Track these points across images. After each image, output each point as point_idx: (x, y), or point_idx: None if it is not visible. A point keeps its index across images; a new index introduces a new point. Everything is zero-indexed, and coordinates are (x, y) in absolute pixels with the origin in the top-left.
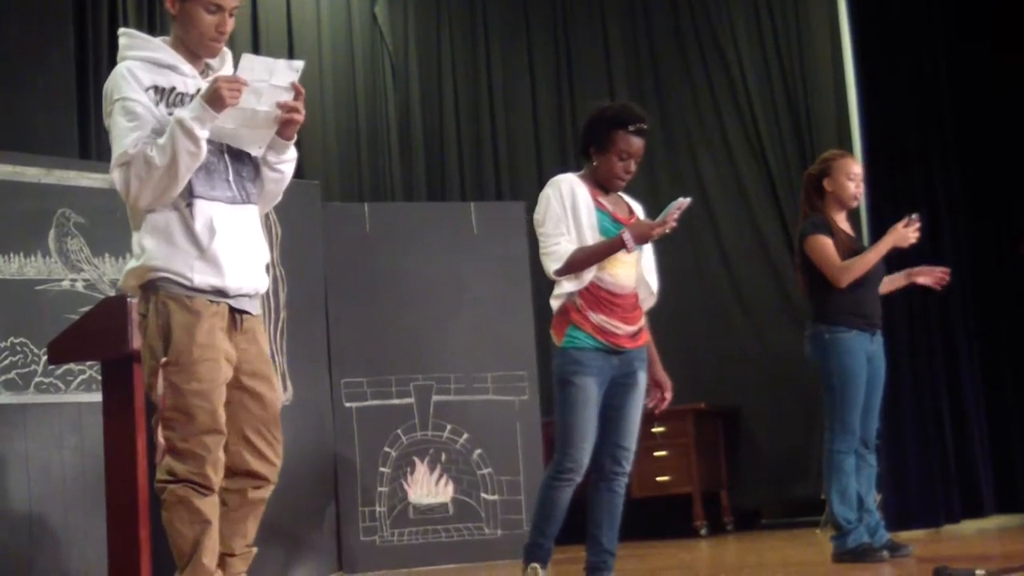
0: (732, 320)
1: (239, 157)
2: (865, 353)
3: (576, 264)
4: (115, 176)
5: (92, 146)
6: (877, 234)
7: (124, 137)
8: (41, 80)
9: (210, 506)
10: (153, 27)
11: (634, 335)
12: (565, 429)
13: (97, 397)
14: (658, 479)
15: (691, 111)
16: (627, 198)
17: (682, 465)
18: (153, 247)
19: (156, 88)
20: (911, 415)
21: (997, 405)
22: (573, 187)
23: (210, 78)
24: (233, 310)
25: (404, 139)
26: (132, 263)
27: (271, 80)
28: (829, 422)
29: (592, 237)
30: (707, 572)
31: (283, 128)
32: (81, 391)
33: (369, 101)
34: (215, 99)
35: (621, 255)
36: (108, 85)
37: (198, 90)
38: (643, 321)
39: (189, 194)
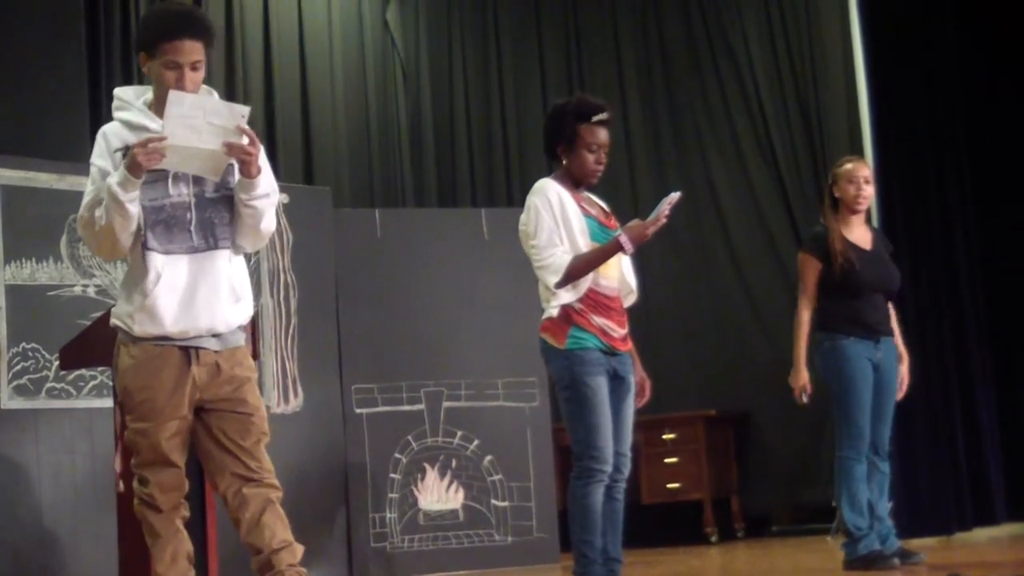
0: (742, 325)
1: (211, 204)
2: (869, 360)
3: (575, 273)
4: (80, 234)
5: None
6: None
7: (83, 200)
8: (53, 84)
9: (162, 522)
10: None
11: (624, 338)
12: (587, 430)
13: (108, 403)
14: (668, 486)
15: (702, 114)
16: (595, 198)
17: (692, 471)
18: (120, 295)
19: (126, 149)
20: (923, 422)
21: (1010, 412)
22: (560, 194)
23: None
24: (186, 348)
25: (415, 145)
26: None
27: (207, 119)
28: (838, 429)
29: (585, 244)
30: None
31: (242, 167)
32: (92, 396)
33: (380, 107)
34: (132, 165)
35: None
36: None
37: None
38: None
39: (143, 247)
